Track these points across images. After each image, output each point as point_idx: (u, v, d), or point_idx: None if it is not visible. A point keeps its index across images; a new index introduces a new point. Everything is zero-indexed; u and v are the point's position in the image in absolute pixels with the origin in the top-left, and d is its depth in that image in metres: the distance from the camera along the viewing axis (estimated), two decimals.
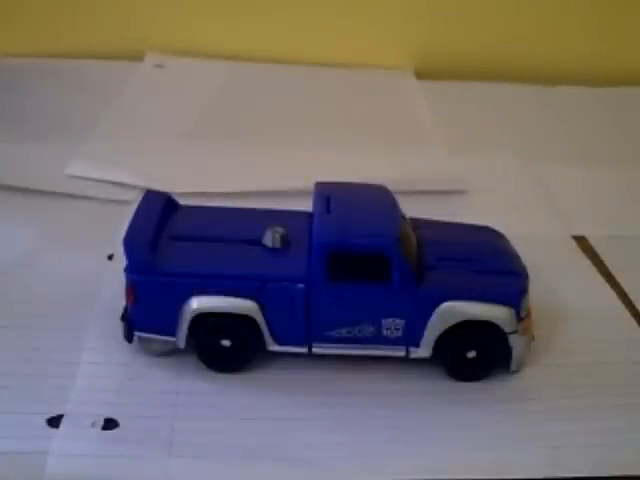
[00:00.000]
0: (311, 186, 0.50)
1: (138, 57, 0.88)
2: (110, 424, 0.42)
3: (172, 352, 0.46)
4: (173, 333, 0.45)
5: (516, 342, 0.46)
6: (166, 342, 0.46)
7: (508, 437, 0.43)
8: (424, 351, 0.45)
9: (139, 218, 0.47)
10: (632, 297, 0.56)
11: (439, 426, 0.44)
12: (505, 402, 0.46)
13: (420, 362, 0.46)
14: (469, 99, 0.87)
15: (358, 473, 0.41)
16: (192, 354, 0.46)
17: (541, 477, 0.41)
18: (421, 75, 0.91)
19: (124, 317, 0.47)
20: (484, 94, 0.88)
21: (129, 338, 0.47)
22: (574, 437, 0.43)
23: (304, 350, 0.46)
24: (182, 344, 0.46)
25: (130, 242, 0.45)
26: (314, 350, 0.46)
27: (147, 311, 0.45)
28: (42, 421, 0.42)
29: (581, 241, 0.63)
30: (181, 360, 0.47)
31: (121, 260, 0.46)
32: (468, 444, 0.42)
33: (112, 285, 0.51)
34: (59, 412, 0.42)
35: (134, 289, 0.45)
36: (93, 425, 0.42)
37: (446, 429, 0.43)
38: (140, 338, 0.46)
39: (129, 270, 0.45)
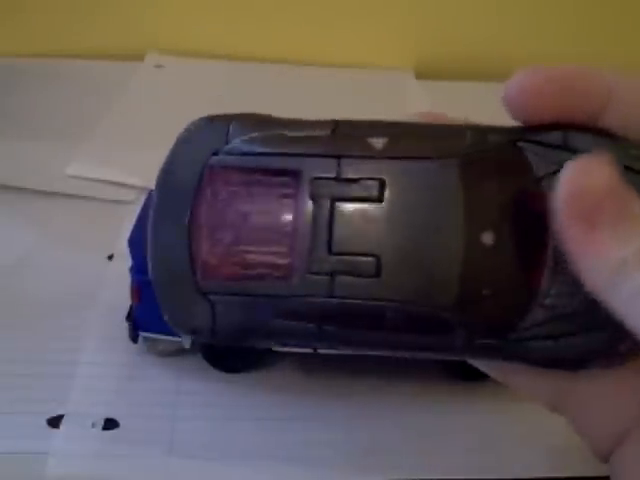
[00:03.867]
0: None
1: (138, 57, 0.88)
2: (110, 424, 0.42)
3: (174, 352, 0.46)
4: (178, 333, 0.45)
5: None
6: (171, 342, 0.46)
7: (508, 437, 0.43)
8: None
9: (144, 218, 0.47)
10: None
11: (438, 426, 0.44)
12: (505, 402, 0.45)
13: (420, 362, 0.46)
14: (469, 99, 0.87)
15: (357, 473, 0.41)
16: (192, 354, 0.46)
17: (541, 477, 0.41)
18: (421, 75, 0.91)
19: (129, 317, 0.47)
20: (484, 94, 0.88)
21: (134, 338, 0.46)
22: (574, 436, 0.43)
23: (307, 350, 0.45)
24: (188, 344, 0.46)
25: (135, 242, 0.45)
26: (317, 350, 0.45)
27: (152, 311, 0.45)
28: (42, 421, 0.42)
29: None
30: (181, 360, 0.47)
31: (121, 260, 0.46)
32: (467, 444, 0.42)
33: (112, 285, 0.51)
34: (59, 412, 0.42)
35: (139, 289, 0.45)
36: (93, 425, 0.42)
37: (445, 429, 0.43)
38: (145, 338, 0.46)
39: (134, 270, 0.45)
